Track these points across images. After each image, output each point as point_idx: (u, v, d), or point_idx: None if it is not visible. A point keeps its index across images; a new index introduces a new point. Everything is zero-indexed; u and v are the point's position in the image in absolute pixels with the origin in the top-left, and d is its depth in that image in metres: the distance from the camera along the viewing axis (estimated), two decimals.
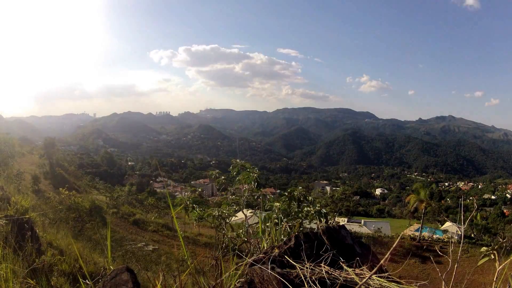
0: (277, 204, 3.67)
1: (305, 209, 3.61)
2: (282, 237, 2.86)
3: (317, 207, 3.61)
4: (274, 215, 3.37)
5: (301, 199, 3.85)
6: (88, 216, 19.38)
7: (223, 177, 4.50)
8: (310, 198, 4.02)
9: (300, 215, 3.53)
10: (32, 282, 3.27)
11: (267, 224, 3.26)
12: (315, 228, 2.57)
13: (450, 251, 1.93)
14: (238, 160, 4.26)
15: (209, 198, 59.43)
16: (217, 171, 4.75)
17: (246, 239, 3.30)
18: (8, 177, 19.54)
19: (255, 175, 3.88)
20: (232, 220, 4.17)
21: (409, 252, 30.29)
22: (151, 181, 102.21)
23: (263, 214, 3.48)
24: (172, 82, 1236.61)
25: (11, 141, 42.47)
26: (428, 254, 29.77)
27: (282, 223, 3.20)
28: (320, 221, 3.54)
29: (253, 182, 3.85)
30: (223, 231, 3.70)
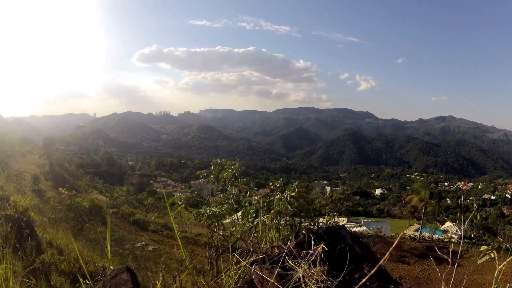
0: (255, 197, 3.66)
1: (276, 197, 3.58)
2: (281, 237, 2.86)
3: (286, 196, 3.58)
4: (252, 210, 3.35)
5: (282, 190, 3.84)
6: (88, 216, 19.37)
7: (212, 177, 4.50)
8: (292, 185, 3.99)
9: (274, 204, 3.52)
10: (32, 281, 3.27)
11: (249, 219, 3.25)
12: (315, 228, 2.56)
13: (450, 251, 1.93)
14: (218, 160, 4.28)
15: (209, 198, 59.47)
16: (205, 170, 4.77)
17: (239, 237, 3.29)
18: (8, 177, 19.56)
19: (234, 171, 3.88)
20: (228, 219, 4.16)
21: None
22: (151, 181, 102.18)
23: (243, 209, 3.48)
24: (173, 82, 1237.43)
25: (11, 141, 42.55)
26: (429, 254, 29.75)
27: (259, 217, 3.20)
28: (290, 206, 3.52)
29: (232, 178, 3.84)
30: (216, 230, 3.69)
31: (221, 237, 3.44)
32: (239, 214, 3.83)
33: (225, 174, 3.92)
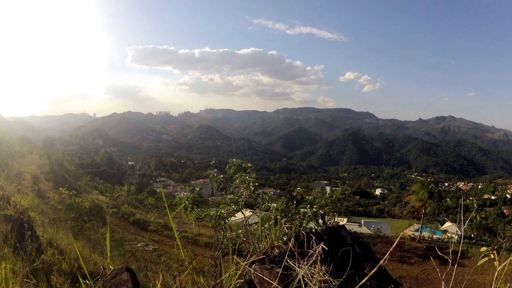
0: (274, 204, 3.61)
1: (302, 210, 3.56)
2: (282, 237, 2.86)
3: (314, 208, 3.56)
4: (272, 216, 3.33)
5: (299, 199, 3.82)
6: (88, 216, 19.35)
7: (221, 176, 4.45)
8: (309, 198, 3.97)
9: (297, 216, 3.50)
10: (32, 281, 3.27)
11: (266, 225, 3.23)
12: (315, 228, 2.56)
13: (450, 251, 1.93)
14: (234, 160, 4.22)
15: (209, 198, 59.41)
16: (215, 170, 4.69)
17: (245, 239, 3.27)
18: (8, 177, 19.53)
19: (251, 179, 3.83)
20: (231, 220, 4.14)
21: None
22: (151, 181, 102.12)
23: (262, 214, 3.46)
24: (173, 82, 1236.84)
25: (11, 141, 42.51)
26: (429, 254, 29.76)
27: (280, 223, 3.18)
28: (317, 222, 3.52)
29: (249, 186, 3.80)
30: (222, 231, 3.67)
31: (228, 239, 3.42)
32: (247, 214, 3.80)
33: (243, 180, 3.88)
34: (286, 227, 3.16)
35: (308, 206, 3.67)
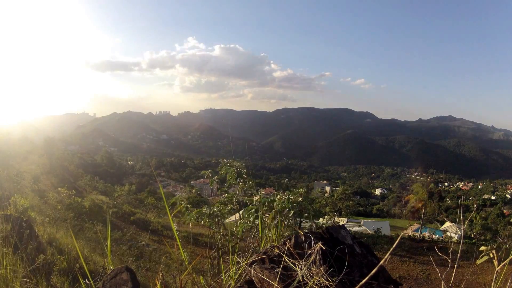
0: (256, 198, 3.60)
1: (277, 197, 3.52)
2: (281, 237, 2.86)
3: (290, 196, 3.52)
4: (252, 210, 3.32)
5: (289, 188, 3.86)
6: (88, 215, 19.37)
7: (216, 177, 4.49)
8: (300, 190, 3.98)
9: (274, 204, 3.47)
10: (32, 281, 3.27)
11: (250, 219, 3.22)
12: (315, 228, 2.56)
13: (450, 251, 1.93)
14: (225, 160, 4.29)
15: (209, 198, 59.44)
16: (209, 170, 4.74)
17: (239, 237, 3.27)
18: (8, 177, 19.53)
19: (236, 169, 3.88)
20: (229, 219, 4.16)
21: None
22: (151, 181, 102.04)
23: (244, 209, 3.46)
24: (173, 82, 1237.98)
25: (11, 141, 42.48)
26: (429, 254, 29.76)
27: (261, 215, 3.18)
28: (293, 210, 3.49)
29: (235, 175, 3.84)
30: (216, 230, 3.68)
31: (222, 236, 3.43)
32: (240, 213, 3.81)
33: (230, 171, 3.92)
34: (287, 225, 3.17)
35: (288, 193, 3.63)
